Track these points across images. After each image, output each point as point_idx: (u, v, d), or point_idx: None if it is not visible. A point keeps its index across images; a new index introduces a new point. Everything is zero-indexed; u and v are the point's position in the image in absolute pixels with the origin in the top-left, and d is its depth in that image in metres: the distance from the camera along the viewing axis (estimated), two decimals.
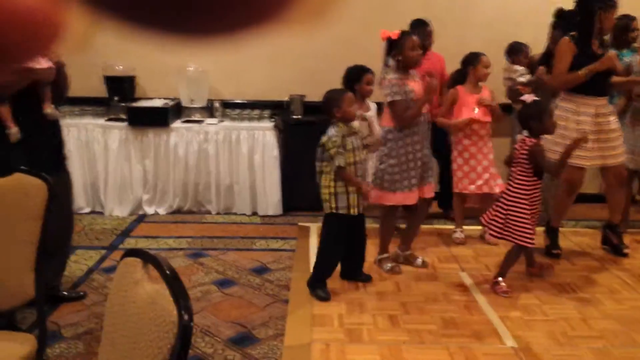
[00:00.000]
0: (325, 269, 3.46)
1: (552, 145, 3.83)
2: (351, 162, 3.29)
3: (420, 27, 4.51)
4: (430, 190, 3.77)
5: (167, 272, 1.43)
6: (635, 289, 3.62)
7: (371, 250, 3.96)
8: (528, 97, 3.47)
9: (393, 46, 3.55)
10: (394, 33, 3.54)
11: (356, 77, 4.09)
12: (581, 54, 3.77)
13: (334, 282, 3.55)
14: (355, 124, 3.44)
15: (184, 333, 1.34)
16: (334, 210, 3.34)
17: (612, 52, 3.86)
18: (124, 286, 1.57)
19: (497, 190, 4.15)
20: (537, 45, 4.53)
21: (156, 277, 1.52)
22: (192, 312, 1.36)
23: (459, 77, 4.22)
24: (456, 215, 4.40)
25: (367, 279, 3.61)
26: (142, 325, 1.46)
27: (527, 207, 3.37)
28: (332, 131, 3.30)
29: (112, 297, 1.63)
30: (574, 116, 3.85)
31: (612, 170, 4.00)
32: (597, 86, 3.79)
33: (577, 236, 4.51)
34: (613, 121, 3.92)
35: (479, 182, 4.21)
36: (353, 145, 3.31)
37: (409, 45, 3.52)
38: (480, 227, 4.40)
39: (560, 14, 4.28)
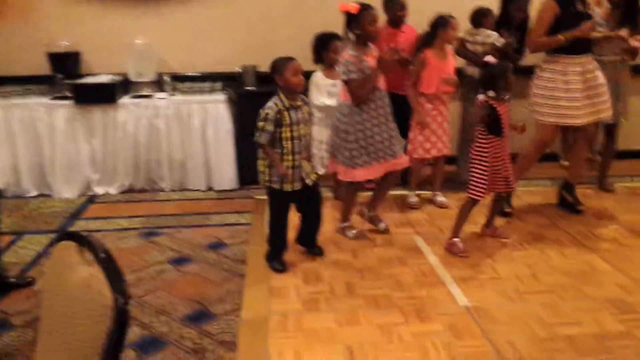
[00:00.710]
0: (274, 241, 3.46)
1: (542, 108, 3.89)
2: (288, 136, 3.22)
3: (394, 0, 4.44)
4: (399, 162, 3.72)
5: (102, 254, 1.38)
6: (583, 243, 3.73)
7: (329, 217, 3.97)
8: (491, 58, 3.51)
9: (352, 20, 3.49)
10: (353, 7, 3.46)
11: (323, 45, 4.05)
12: (565, 13, 3.78)
13: (290, 253, 3.55)
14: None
15: (120, 317, 1.31)
16: (267, 183, 3.33)
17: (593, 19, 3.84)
18: (59, 270, 1.52)
19: (444, 152, 4.32)
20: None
21: (92, 260, 1.48)
22: (127, 295, 1.33)
23: (427, 40, 4.20)
24: (412, 180, 4.43)
25: (318, 252, 3.58)
26: (78, 310, 1.42)
27: (485, 163, 3.44)
28: (270, 102, 3.24)
29: (47, 282, 1.58)
30: (561, 77, 3.87)
31: (584, 128, 4.05)
32: (580, 44, 3.81)
33: (530, 195, 4.61)
34: (600, 76, 3.94)
35: (433, 151, 4.31)
36: (291, 119, 3.22)
37: (368, 19, 3.47)
38: (430, 192, 4.48)
39: None
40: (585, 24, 3.75)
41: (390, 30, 4.42)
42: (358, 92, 3.51)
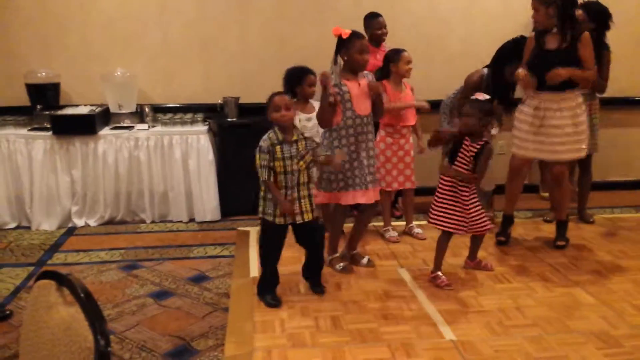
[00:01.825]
0: (265, 274, 3.40)
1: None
2: (280, 171, 3.19)
3: (373, 18, 4.55)
4: (373, 195, 3.68)
5: (82, 294, 1.35)
6: (566, 275, 3.74)
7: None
8: (480, 95, 3.52)
9: (342, 45, 3.52)
10: (345, 32, 3.49)
11: (296, 79, 4.04)
12: (535, 49, 3.93)
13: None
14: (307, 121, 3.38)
15: (101, 359, 1.27)
16: (261, 214, 3.30)
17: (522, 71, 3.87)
18: (38, 310, 1.48)
19: (407, 185, 4.33)
20: (469, 41, 4.60)
21: (72, 300, 1.43)
22: (109, 337, 1.29)
23: (382, 75, 4.24)
24: (384, 214, 4.43)
25: (319, 291, 3.50)
26: (58, 352, 1.37)
27: (450, 197, 3.48)
28: (265, 137, 3.23)
29: (26, 322, 1.53)
30: (521, 106, 4.03)
31: (549, 168, 4.16)
32: (541, 81, 3.85)
33: (511, 226, 4.62)
34: (558, 117, 3.90)
35: (394, 185, 4.32)
36: (284, 154, 3.18)
37: (357, 47, 3.48)
38: (404, 223, 4.49)
39: (517, 44, 4.25)
40: (519, 73, 3.82)
41: (370, 48, 4.47)
42: (323, 115, 3.52)
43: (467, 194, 3.49)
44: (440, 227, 3.55)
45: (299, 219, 3.27)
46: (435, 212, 3.55)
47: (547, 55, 3.86)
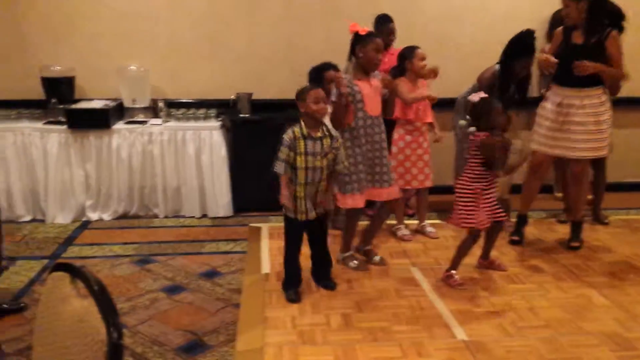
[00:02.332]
0: (288, 270, 3.41)
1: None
2: (302, 166, 3.18)
3: (384, 23, 4.52)
4: (391, 193, 3.69)
5: (95, 287, 1.35)
6: (580, 277, 3.71)
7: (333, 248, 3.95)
8: (474, 96, 3.50)
9: (358, 41, 3.51)
10: (363, 29, 3.51)
11: (317, 76, 4.04)
12: (563, 43, 3.89)
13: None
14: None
15: (114, 352, 1.27)
16: (284, 212, 3.30)
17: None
18: (52, 302, 1.49)
19: (427, 184, 4.31)
20: (475, 42, 4.54)
21: (85, 292, 1.44)
22: (121, 329, 1.29)
23: (397, 73, 4.22)
24: (397, 213, 4.41)
25: (328, 286, 3.50)
26: (71, 344, 1.38)
27: (471, 196, 3.42)
28: (289, 130, 3.22)
29: (40, 314, 1.54)
30: (544, 102, 3.99)
31: (570, 166, 4.12)
32: (565, 76, 3.82)
33: (525, 226, 4.58)
34: (581, 114, 3.86)
35: (414, 183, 4.29)
36: (307, 148, 3.18)
37: (373, 46, 3.49)
38: (417, 221, 4.46)
39: (523, 38, 4.19)
40: (542, 60, 3.82)
41: None
42: (336, 115, 3.51)
43: (486, 185, 3.45)
44: (468, 226, 3.48)
45: (311, 215, 3.27)
46: (460, 214, 3.48)
47: (574, 50, 3.82)
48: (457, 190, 3.50)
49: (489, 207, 3.49)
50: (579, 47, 3.82)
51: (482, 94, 3.51)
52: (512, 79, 4.26)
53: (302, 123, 3.21)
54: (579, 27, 3.84)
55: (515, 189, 4.45)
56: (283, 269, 3.45)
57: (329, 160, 3.25)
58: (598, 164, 4.56)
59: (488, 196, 3.47)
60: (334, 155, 3.27)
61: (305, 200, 3.24)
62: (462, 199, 3.47)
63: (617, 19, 4.18)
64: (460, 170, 4.48)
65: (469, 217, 3.45)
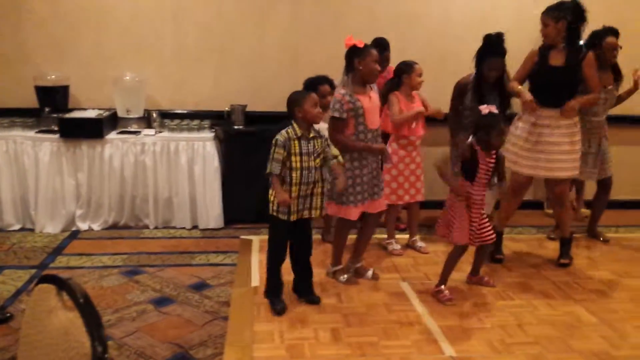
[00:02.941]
0: (271, 278, 3.41)
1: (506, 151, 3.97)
2: (297, 167, 3.22)
3: (380, 51, 4.47)
4: (379, 205, 3.73)
5: (81, 300, 1.35)
6: (569, 294, 3.72)
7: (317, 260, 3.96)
8: (484, 109, 3.49)
9: (356, 55, 3.53)
10: (360, 42, 3.54)
11: (311, 88, 4.06)
12: (539, 64, 3.90)
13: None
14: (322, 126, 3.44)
15: None
16: (274, 213, 3.31)
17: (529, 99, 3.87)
18: (38, 314, 1.48)
19: (418, 198, 4.33)
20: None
21: (72, 305, 1.43)
22: (106, 343, 1.29)
23: (393, 87, 4.25)
24: (388, 227, 4.42)
25: (314, 301, 3.50)
26: (55, 357, 1.37)
27: (459, 207, 3.45)
28: (282, 131, 3.26)
29: (25, 325, 1.53)
30: (517, 121, 4.00)
31: (550, 185, 4.13)
32: (541, 97, 3.86)
33: (514, 242, 4.61)
34: (556, 134, 3.90)
35: (406, 197, 4.30)
36: (302, 149, 3.23)
37: (371, 57, 3.54)
38: (407, 236, 4.47)
39: (488, 40, 4.27)
40: (527, 97, 3.81)
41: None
42: (335, 132, 3.54)
43: (478, 204, 3.47)
44: (452, 241, 3.51)
45: (306, 214, 3.32)
46: (448, 226, 3.52)
47: (552, 72, 3.87)
48: (452, 204, 3.50)
49: (482, 225, 3.49)
50: (559, 70, 3.86)
51: (493, 108, 3.50)
52: (484, 83, 4.28)
53: (295, 125, 3.25)
54: (556, 47, 3.88)
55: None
56: (266, 278, 3.45)
57: (321, 160, 3.32)
58: (604, 184, 4.63)
59: (478, 213, 3.48)
60: (325, 154, 3.34)
61: (298, 200, 3.27)
62: (456, 214, 3.47)
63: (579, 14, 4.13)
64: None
65: (461, 232, 3.46)
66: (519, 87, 3.91)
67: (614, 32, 4.38)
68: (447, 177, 3.52)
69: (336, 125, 3.54)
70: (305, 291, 3.53)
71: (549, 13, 3.88)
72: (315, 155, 3.27)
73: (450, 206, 3.52)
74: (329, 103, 4.07)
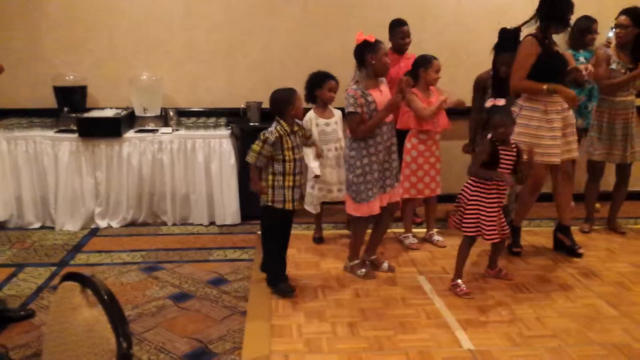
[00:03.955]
0: (274, 266, 3.56)
1: (525, 147, 3.87)
2: (290, 159, 3.40)
3: (397, 25, 4.54)
4: (396, 194, 3.75)
5: (105, 297, 1.37)
6: (588, 286, 3.70)
7: (333, 254, 3.99)
8: (489, 102, 3.51)
9: (367, 50, 3.52)
10: (370, 36, 3.55)
11: (318, 82, 4.11)
12: (545, 52, 3.82)
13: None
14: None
15: None
16: (268, 203, 3.43)
17: (568, 53, 3.95)
18: (62, 311, 1.51)
19: (437, 192, 4.33)
20: (488, 49, 4.53)
21: (95, 302, 1.46)
22: (131, 339, 1.31)
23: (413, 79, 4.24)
24: (405, 221, 4.42)
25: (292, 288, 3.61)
26: (81, 353, 1.40)
27: (479, 201, 3.44)
28: (271, 128, 3.41)
29: (49, 323, 1.56)
30: (544, 116, 3.86)
31: (561, 167, 4.05)
32: (561, 84, 3.83)
33: (531, 235, 4.58)
34: (571, 116, 3.98)
35: (426, 191, 4.30)
36: (293, 143, 3.41)
37: (383, 51, 3.55)
38: (424, 230, 4.47)
39: (502, 35, 4.26)
40: (571, 93, 3.78)
41: (394, 56, 4.50)
42: (356, 127, 3.54)
43: (496, 197, 3.46)
44: (466, 232, 3.51)
45: (298, 205, 3.51)
46: (461, 217, 3.52)
47: (560, 57, 3.91)
48: (465, 193, 3.50)
49: (497, 220, 3.49)
50: (560, 55, 3.96)
51: (498, 101, 3.48)
52: (500, 79, 4.25)
53: (283, 122, 3.41)
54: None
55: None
56: (267, 267, 3.61)
57: (303, 141, 3.59)
58: (623, 172, 4.59)
59: (495, 208, 3.47)
60: (307, 134, 3.63)
61: (293, 190, 3.44)
62: (470, 206, 3.47)
63: None
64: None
65: (470, 224, 3.47)
66: (545, 85, 3.78)
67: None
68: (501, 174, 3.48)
69: (354, 119, 3.55)
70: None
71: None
72: (300, 147, 3.48)
73: (465, 198, 3.51)
74: (333, 98, 4.11)
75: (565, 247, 4.23)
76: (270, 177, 3.43)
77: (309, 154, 3.99)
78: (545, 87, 3.76)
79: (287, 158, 3.40)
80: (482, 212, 3.44)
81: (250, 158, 3.39)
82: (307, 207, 4.22)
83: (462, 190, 3.55)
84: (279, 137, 3.36)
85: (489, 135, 3.48)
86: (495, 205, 3.45)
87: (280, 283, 3.53)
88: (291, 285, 3.56)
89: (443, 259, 4.10)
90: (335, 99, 4.21)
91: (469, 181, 3.52)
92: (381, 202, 3.69)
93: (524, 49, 3.85)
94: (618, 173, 4.64)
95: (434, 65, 4.13)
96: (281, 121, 3.41)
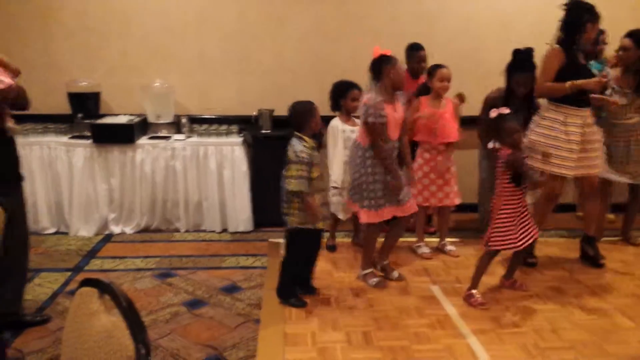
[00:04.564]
0: (289, 281, 3.53)
1: (539, 155, 3.87)
2: (317, 176, 3.34)
3: (415, 50, 4.53)
4: (410, 207, 3.73)
5: (124, 303, 1.37)
6: (604, 298, 3.65)
7: (344, 263, 3.98)
8: (494, 112, 3.49)
9: (385, 62, 3.53)
10: (386, 51, 3.57)
11: (342, 92, 4.12)
12: (569, 64, 3.80)
13: (305, 298, 3.52)
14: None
15: None
16: (300, 226, 3.34)
17: (604, 74, 3.89)
18: (80, 317, 1.51)
19: (446, 202, 4.27)
20: (497, 59, 4.51)
21: (113, 307, 1.46)
22: (149, 346, 1.31)
23: (424, 89, 4.24)
24: (418, 230, 4.40)
25: (313, 291, 3.64)
26: (98, 359, 1.39)
27: (506, 213, 3.41)
28: (299, 146, 3.29)
29: (68, 329, 1.56)
30: (563, 127, 3.83)
31: (587, 180, 4.02)
32: (583, 97, 3.83)
33: (547, 246, 4.54)
34: (596, 131, 3.95)
35: (433, 200, 4.27)
36: (316, 159, 3.36)
37: (399, 65, 3.59)
38: (437, 239, 4.44)
39: (517, 55, 4.21)
40: (593, 79, 3.76)
41: (409, 80, 4.49)
42: (377, 137, 3.54)
43: (521, 203, 3.45)
44: (493, 246, 3.47)
45: (325, 223, 3.52)
46: (494, 235, 3.46)
47: (586, 71, 3.86)
48: (495, 211, 3.46)
49: (525, 226, 3.46)
50: (588, 68, 3.94)
51: (503, 110, 3.48)
52: (513, 97, 4.23)
53: (306, 138, 3.34)
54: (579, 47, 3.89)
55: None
56: (280, 282, 3.56)
57: None
58: (634, 189, 4.55)
59: (524, 215, 3.45)
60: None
61: (321, 207, 3.42)
62: (501, 220, 3.43)
63: None
64: (486, 184, 4.47)
65: (503, 239, 3.43)
66: (567, 83, 3.75)
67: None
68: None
69: (377, 129, 3.54)
70: (306, 284, 3.66)
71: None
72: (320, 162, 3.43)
73: (492, 211, 3.48)
74: (357, 107, 4.09)
75: (588, 257, 4.21)
76: (298, 199, 3.33)
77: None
78: (567, 85, 3.74)
79: (313, 175, 3.32)
80: (511, 222, 3.41)
81: (300, 186, 3.25)
82: (339, 215, 4.23)
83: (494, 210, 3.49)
84: (309, 153, 3.29)
85: (496, 144, 3.44)
86: (521, 211, 3.43)
87: (292, 297, 3.49)
88: (300, 298, 3.51)
89: (456, 269, 4.07)
90: None
91: (498, 200, 3.47)
92: (397, 212, 3.68)
93: (546, 58, 3.87)
94: (631, 188, 4.59)
95: (437, 74, 4.12)
96: (304, 137, 3.33)
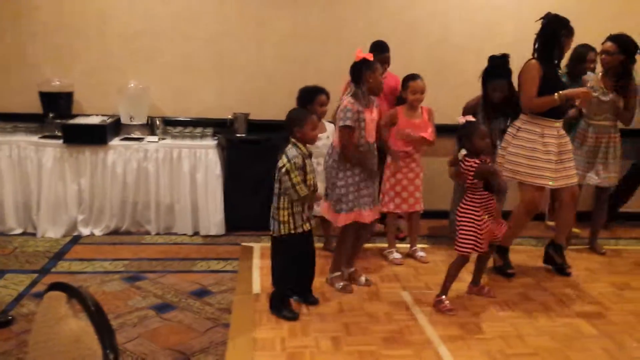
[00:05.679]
0: (281, 291, 3.47)
1: (521, 168, 3.92)
2: (311, 184, 3.33)
3: (380, 52, 4.44)
4: (373, 214, 3.77)
5: (92, 308, 1.37)
6: (568, 305, 3.74)
7: (325, 270, 3.99)
8: (461, 119, 3.57)
9: (365, 67, 3.56)
10: (369, 54, 3.61)
11: (308, 98, 4.10)
12: (548, 76, 3.88)
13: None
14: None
15: None
16: (292, 231, 3.34)
17: (588, 89, 4.01)
18: (48, 322, 1.50)
19: (417, 208, 4.35)
20: (477, 69, 4.59)
21: (81, 311, 1.45)
22: (118, 351, 1.30)
23: (400, 100, 4.30)
24: (389, 236, 4.45)
25: (315, 301, 3.59)
26: None
27: (474, 219, 3.46)
28: (292, 152, 3.29)
29: (34, 333, 1.54)
30: (540, 138, 3.90)
31: (567, 190, 4.08)
32: (559, 109, 3.91)
33: (515, 253, 4.60)
34: (569, 141, 4.04)
35: (404, 206, 4.34)
36: (310, 167, 3.35)
37: (379, 70, 3.63)
38: (408, 245, 4.49)
39: (492, 62, 4.30)
40: (580, 89, 3.88)
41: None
42: (348, 141, 3.57)
43: (485, 210, 3.51)
44: (462, 251, 3.52)
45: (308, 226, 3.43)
46: (459, 236, 3.52)
47: (562, 83, 3.98)
48: (461, 216, 3.52)
49: (488, 231, 3.52)
50: (562, 81, 4.07)
51: (469, 117, 3.57)
52: (491, 104, 4.30)
53: (300, 145, 3.32)
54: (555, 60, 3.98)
55: None
56: (274, 292, 3.50)
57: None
58: (602, 195, 4.67)
59: (486, 221, 3.51)
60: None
61: (302, 213, 3.36)
62: (465, 225, 3.49)
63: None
64: (457, 191, 4.53)
65: (466, 243, 3.49)
66: (556, 94, 3.80)
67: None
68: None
69: (347, 133, 3.57)
70: (305, 292, 3.62)
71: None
72: (313, 171, 3.42)
73: (459, 216, 3.53)
74: (325, 112, 4.13)
75: (555, 264, 4.28)
76: (288, 205, 3.31)
77: None
78: (556, 96, 3.81)
79: (308, 183, 3.33)
80: (476, 227, 3.46)
81: (300, 191, 3.25)
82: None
83: (459, 210, 3.56)
84: (302, 160, 3.28)
85: (463, 152, 3.51)
86: (486, 215, 3.50)
87: (283, 309, 3.43)
88: (294, 310, 3.46)
89: (426, 275, 4.12)
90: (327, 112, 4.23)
91: (462, 205, 3.53)
92: (364, 218, 3.71)
93: (525, 73, 3.92)
94: (597, 196, 4.71)
95: (409, 87, 4.20)
96: (298, 143, 3.32)
